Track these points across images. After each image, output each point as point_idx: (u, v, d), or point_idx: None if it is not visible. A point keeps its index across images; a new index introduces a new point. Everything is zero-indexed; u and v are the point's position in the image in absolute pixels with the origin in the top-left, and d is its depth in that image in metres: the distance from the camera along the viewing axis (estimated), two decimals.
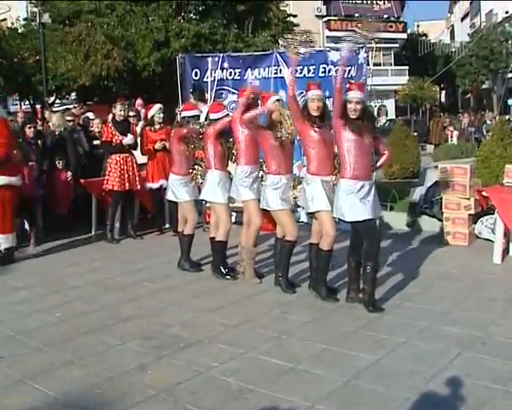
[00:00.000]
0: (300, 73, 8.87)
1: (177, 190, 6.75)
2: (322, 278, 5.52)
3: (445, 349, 4.29)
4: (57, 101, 19.40)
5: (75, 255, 7.77)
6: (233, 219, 9.00)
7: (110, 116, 8.80)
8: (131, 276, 6.62)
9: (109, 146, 8.44)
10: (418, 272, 6.36)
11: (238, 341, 4.59)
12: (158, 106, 8.57)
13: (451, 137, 17.58)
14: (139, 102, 10.58)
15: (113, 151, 8.41)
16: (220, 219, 6.38)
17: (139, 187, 8.59)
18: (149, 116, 8.63)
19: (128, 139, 8.36)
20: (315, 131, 5.33)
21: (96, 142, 9.39)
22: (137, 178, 8.54)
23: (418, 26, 50.61)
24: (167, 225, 9.06)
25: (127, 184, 8.39)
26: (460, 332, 4.61)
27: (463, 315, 5.00)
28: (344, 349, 4.35)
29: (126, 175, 8.39)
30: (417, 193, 8.66)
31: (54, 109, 15.23)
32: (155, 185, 8.67)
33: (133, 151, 8.59)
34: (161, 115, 8.49)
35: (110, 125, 8.43)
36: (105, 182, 8.44)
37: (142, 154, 8.72)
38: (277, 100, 5.85)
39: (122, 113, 8.42)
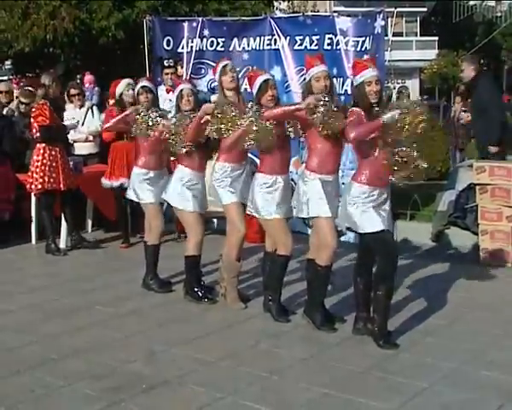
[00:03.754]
0: (300, 44, 8.97)
1: (139, 187, 6.83)
2: (318, 302, 5.61)
3: (480, 400, 4.33)
4: None
5: (9, 271, 7.80)
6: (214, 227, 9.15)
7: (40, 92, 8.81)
8: (81, 298, 6.65)
9: (48, 132, 8.43)
10: (445, 299, 6.43)
11: (216, 382, 4.63)
12: (126, 81, 8.62)
13: None
14: (89, 77, 10.60)
15: (49, 139, 8.42)
16: (188, 227, 6.47)
17: (76, 184, 8.70)
18: (117, 94, 8.69)
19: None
20: None
21: None
22: (72, 173, 8.68)
23: None
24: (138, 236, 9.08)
25: (54, 182, 8.43)
26: (500, 378, 4.65)
27: (504, 356, 5.06)
28: (349, 395, 4.40)
29: (66, 170, 8.49)
30: (446, 199, 8.74)
31: None
32: (114, 184, 8.73)
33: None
34: (131, 93, 8.54)
35: (48, 104, 8.43)
36: (30, 180, 8.48)
37: (104, 141, 8.84)
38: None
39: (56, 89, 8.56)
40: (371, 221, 5.10)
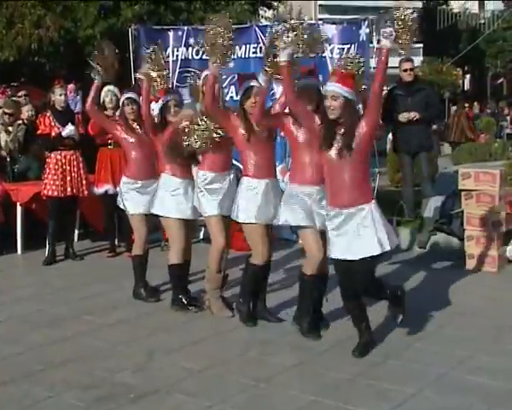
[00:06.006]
0: None
1: (125, 196, 6.83)
2: (305, 309, 5.63)
3: (468, 405, 4.35)
4: None
5: None
6: (201, 236, 9.17)
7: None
8: (68, 307, 6.63)
9: (47, 140, 8.57)
10: (432, 304, 6.44)
11: (204, 390, 4.63)
12: (106, 88, 8.66)
13: None
14: (70, 86, 10.66)
15: (52, 147, 8.54)
16: (170, 235, 6.52)
17: (86, 193, 8.71)
18: (101, 101, 8.74)
19: (68, 130, 8.44)
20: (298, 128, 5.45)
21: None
22: (84, 182, 8.66)
23: None
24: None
25: (69, 189, 8.50)
26: (487, 384, 4.67)
27: (491, 362, 5.07)
28: (338, 402, 4.40)
29: (69, 177, 8.50)
30: (431, 205, 8.78)
31: None
32: (99, 191, 8.74)
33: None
34: (114, 99, 8.56)
35: (48, 114, 8.56)
36: (42, 186, 8.54)
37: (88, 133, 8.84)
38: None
39: (63, 98, 8.56)
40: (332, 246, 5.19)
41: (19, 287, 7.56)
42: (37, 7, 14.94)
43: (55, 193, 8.44)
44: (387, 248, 5.04)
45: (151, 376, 4.91)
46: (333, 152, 4.99)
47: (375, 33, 9.06)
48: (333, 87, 5.00)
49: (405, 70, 9.22)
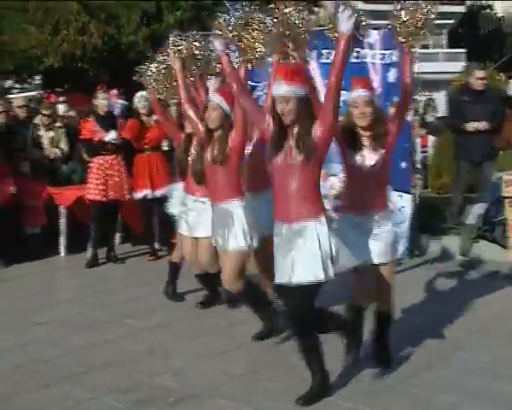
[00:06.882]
0: (327, 58, 8.95)
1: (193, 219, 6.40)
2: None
3: None
4: (16, 85, 19.51)
5: (38, 284, 7.88)
6: None
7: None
8: (109, 311, 6.70)
9: (89, 145, 8.73)
10: (474, 313, 6.39)
11: (245, 395, 4.63)
12: (139, 93, 8.73)
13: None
14: (114, 91, 10.78)
15: (94, 152, 8.68)
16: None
17: (127, 197, 8.83)
18: (134, 107, 8.85)
19: (111, 135, 8.57)
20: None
21: None
22: (125, 186, 8.79)
23: None
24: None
25: (111, 193, 8.64)
26: None
27: None
28: None
29: (111, 182, 8.64)
30: (475, 212, 8.69)
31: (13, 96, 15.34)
32: (138, 195, 8.80)
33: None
34: (146, 104, 8.62)
35: (91, 119, 8.72)
36: (86, 190, 8.71)
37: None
38: None
39: (105, 102, 8.67)
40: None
41: (61, 289, 7.67)
42: (81, 14, 15.16)
43: (98, 197, 8.57)
44: (321, 277, 4.29)
45: (191, 380, 4.93)
46: (282, 156, 4.37)
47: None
48: (281, 89, 4.30)
49: (480, 78, 9.10)
